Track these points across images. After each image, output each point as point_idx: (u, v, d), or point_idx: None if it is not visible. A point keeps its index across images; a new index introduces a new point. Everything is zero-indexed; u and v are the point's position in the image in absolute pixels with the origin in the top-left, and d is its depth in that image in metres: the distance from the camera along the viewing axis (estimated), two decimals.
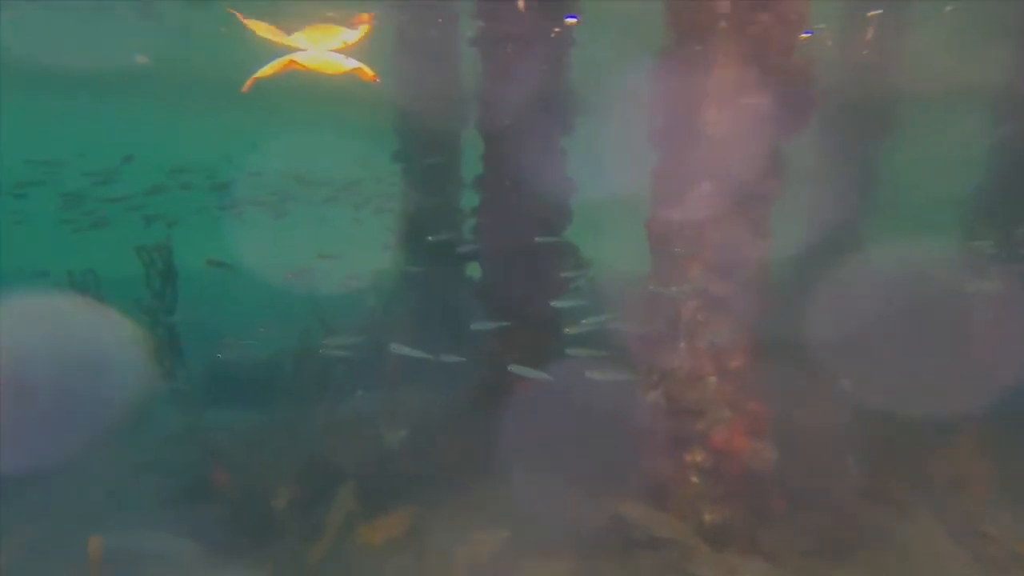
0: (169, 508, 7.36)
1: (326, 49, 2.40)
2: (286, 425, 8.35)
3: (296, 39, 2.39)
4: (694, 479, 6.07)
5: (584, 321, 7.29)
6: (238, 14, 2.54)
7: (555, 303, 7.46)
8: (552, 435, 7.73)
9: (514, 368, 7.18)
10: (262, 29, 2.32)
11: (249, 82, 2.45)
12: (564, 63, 8.69)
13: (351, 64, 2.46)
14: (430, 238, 9.00)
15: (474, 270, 10.15)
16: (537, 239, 8.68)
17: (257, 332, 9.36)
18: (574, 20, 8.53)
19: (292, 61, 2.40)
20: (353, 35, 2.41)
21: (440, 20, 10.93)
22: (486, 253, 9.43)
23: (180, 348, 7.82)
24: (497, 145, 8.96)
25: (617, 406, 6.97)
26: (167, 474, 7.65)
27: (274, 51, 2.56)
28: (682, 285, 6.08)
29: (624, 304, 7.13)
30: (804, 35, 5.49)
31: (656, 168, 6.28)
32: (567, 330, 7.04)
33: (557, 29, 8.35)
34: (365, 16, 2.43)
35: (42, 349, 9.16)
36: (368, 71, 2.46)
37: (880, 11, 12.35)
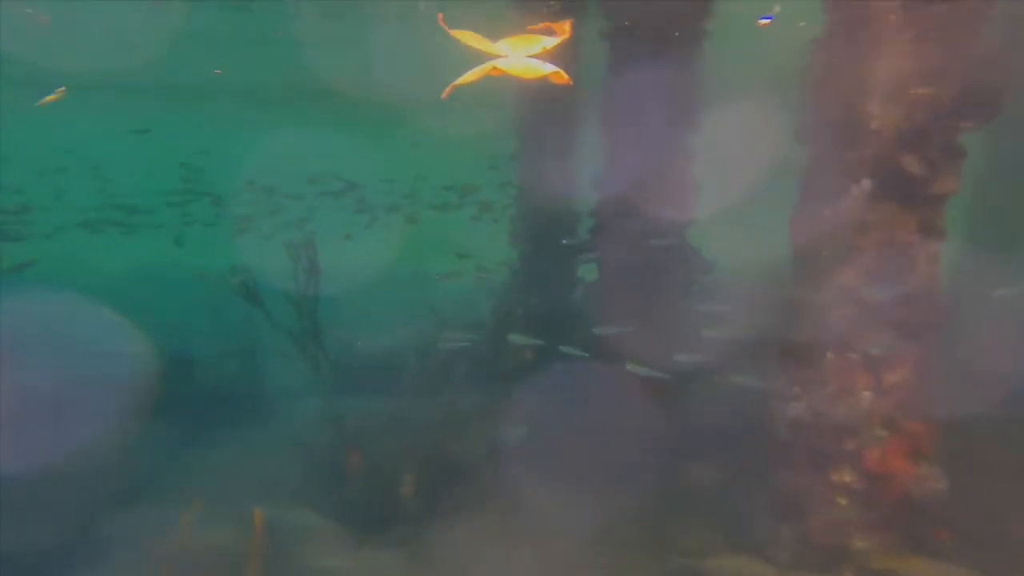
0: (311, 487, 8.01)
1: (526, 55, 2.50)
2: (410, 416, 8.79)
3: (500, 47, 2.50)
4: (842, 501, 5.61)
5: (706, 329, 7.01)
6: (444, 24, 2.69)
7: (697, 307, 7.20)
8: (675, 442, 7.51)
9: (632, 367, 7.06)
10: (469, 38, 2.45)
11: (448, 89, 2.59)
12: (693, 60, 8.39)
13: (549, 69, 2.53)
14: (565, 241, 9.06)
15: (587, 271, 10.11)
16: (656, 240, 8.47)
17: (384, 326, 9.94)
18: (768, 21, 8.18)
19: (495, 68, 2.51)
20: (552, 41, 2.48)
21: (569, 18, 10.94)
22: (605, 253, 9.35)
23: (322, 339, 8.48)
24: (620, 144, 8.86)
25: (748, 415, 6.62)
26: (309, 456, 8.32)
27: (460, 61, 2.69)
28: (831, 290, 5.64)
29: (757, 308, 6.76)
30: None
31: (807, 164, 5.87)
32: (705, 333, 6.76)
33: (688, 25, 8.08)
34: (565, 24, 2.50)
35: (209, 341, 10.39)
36: (564, 74, 2.52)
37: None
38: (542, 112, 10.92)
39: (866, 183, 5.29)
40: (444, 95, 2.62)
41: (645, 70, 8.31)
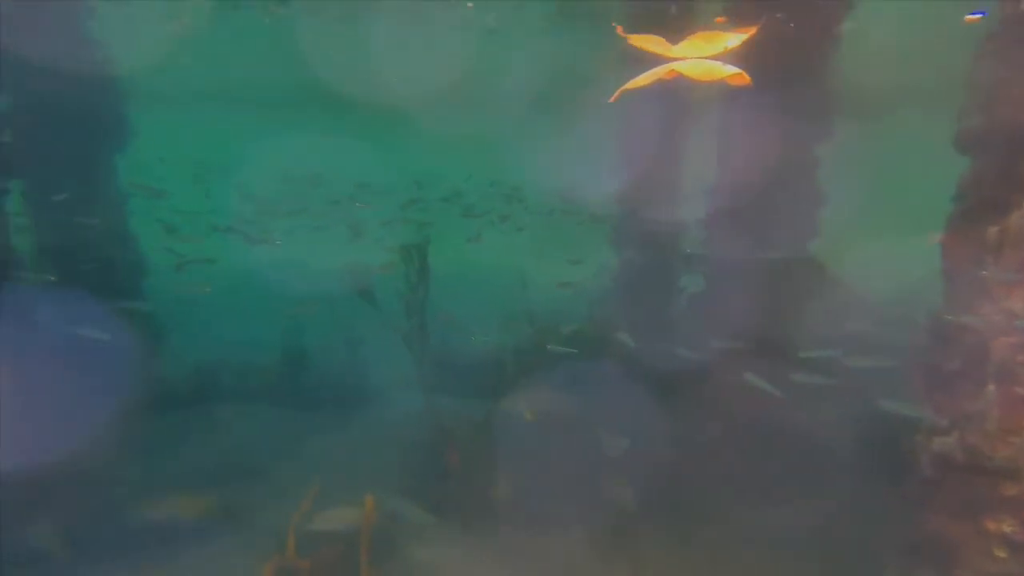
0: (412, 479, 8.27)
1: (707, 56, 2.43)
2: (506, 417, 8.86)
3: (680, 49, 2.45)
4: (1001, 554, 4.99)
5: (824, 350, 6.51)
6: (619, 29, 2.68)
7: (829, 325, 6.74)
8: (794, 468, 7.04)
9: (750, 377, 6.70)
10: (646, 42, 2.42)
11: (618, 92, 2.57)
12: (828, 61, 7.89)
13: (730, 70, 2.45)
14: (689, 251, 8.84)
15: (691, 282, 9.77)
16: (774, 254, 8.02)
17: (485, 329, 10.12)
18: (977, 16, 7.60)
19: (672, 70, 2.46)
20: (736, 40, 2.40)
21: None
22: (713, 265, 8.99)
23: (428, 337, 8.76)
24: (735, 151, 8.49)
25: (882, 446, 6.08)
26: (411, 450, 8.61)
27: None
28: (995, 315, 5.05)
29: (897, 329, 6.21)
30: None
31: (967, 176, 5.33)
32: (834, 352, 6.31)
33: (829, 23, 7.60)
34: (750, 27, 2.41)
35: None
36: (745, 75, 2.42)
37: None
38: (650, 117, 10.69)
39: None
40: (613, 99, 2.60)
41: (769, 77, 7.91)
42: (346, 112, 20.90)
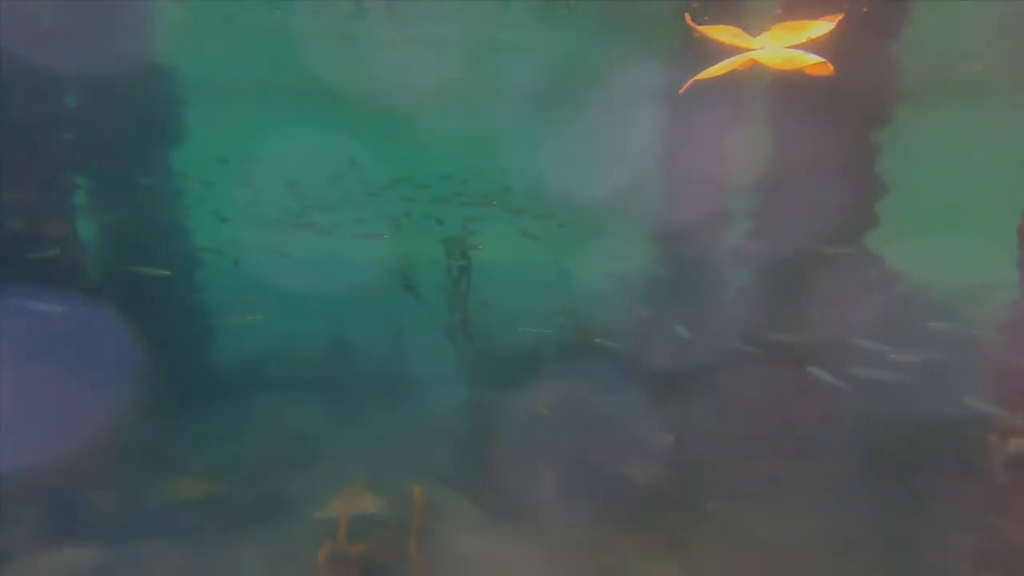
0: (455, 470, 8.33)
1: (789, 45, 2.33)
2: (550, 412, 8.82)
3: (761, 40, 2.36)
4: None
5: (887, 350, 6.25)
6: (690, 21, 2.60)
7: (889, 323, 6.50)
8: (852, 464, 6.81)
9: (813, 371, 6.51)
10: (721, 33, 2.34)
11: (688, 83, 2.49)
12: (890, 50, 7.54)
13: (812, 59, 2.34)
14: (738, 247, 8.64)
15: (738, 276, 9.52)
16: (829, 247, 7.73)
17: (525, 323, 10.09)
18: None
19: (752, 59, 2.37)
20: (821, 29, 2.29)
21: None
22: (762, 259, 8.74)
23: (471, 330, 8.81)
24: (788, 140, 8.20)
25: (950, 445, 5.81)
26: (454, 441, 8.66)
27: None
28: None
29: (965, 325, 5.91)
30: None
31: None
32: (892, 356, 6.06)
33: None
34: (836, 15, 2.30)
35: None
36: (828, 65, 2.32)
37: None
38: (695, 110, 10.45)
39: None
40: (682, 91, 2.52)
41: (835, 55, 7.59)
42: (379, 108, 21.21)
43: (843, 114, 7.59)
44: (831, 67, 2.30)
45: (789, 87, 7.90)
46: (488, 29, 12.87)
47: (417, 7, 11.91)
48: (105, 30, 7.29)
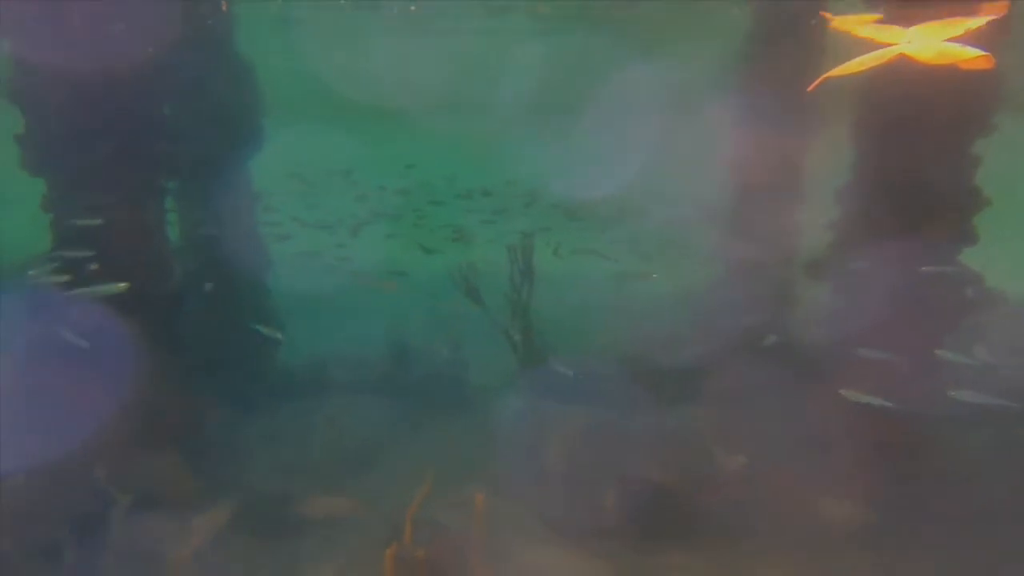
0: (515, 481, 8.21)
1: (943, 38, 2.14)
2: (613, 427, 8.60)
3: (911, 33, 2.18)
4: None
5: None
6: (826, 15, 2.45)
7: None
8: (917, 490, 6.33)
9: (847, 393, 6.16)
10: (859, 26, 2.17)
11: (820, 79, 2.33)
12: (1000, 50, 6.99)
13: (971, 52, 2.14)
14: (810, 262, 8.26)
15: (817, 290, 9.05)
16: (926, 268, 7.19)
17: (586, 332, 9.95)
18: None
19: (900, 54, 2.20)
20: (980, 20, 2.10)
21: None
22: (843, 273, 8.26)
23: (533, 339, 8.72)
24: (876, 147, 7.73)
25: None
26: (515, 451, 8.55)
27: None
28: None
29: None
30: None
31: None
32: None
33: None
34: (1002, 4, 2.11)
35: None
36: (990, 58, 2.11)
37: None
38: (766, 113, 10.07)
39: None
40: (811, 87, 2.36)
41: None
42: (446, 115, 21.59)
43: (941, 124, 7.08)
44: (992, 60, 2.09)
45: (879, 92, 7.46)
46: (561, 38, 12.87)
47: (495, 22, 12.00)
48: (195, 38, 7.71)
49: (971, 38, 2.16)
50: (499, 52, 14.08)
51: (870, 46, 2.22)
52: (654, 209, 12.48)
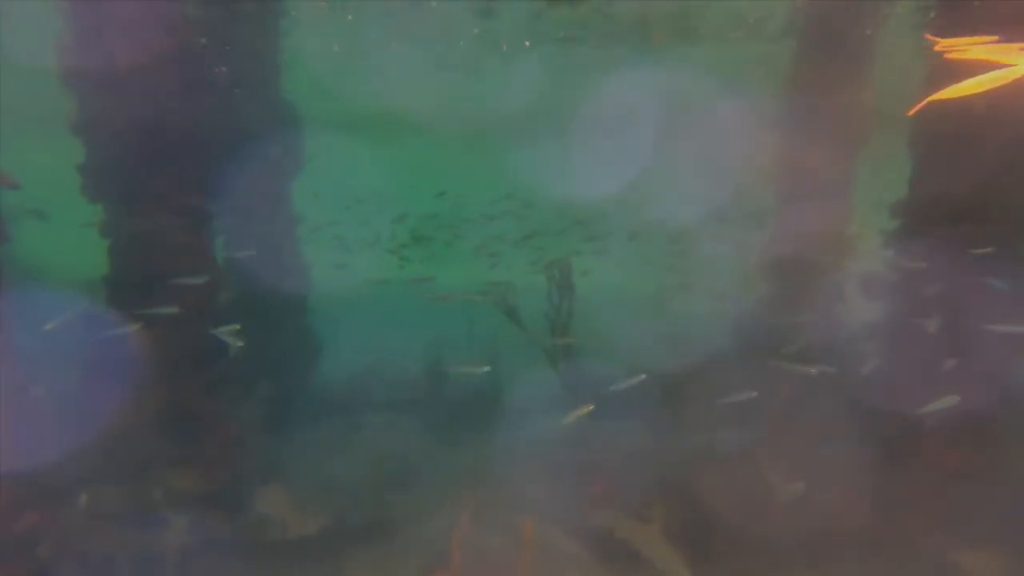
0: (557, 504, 7.99)
1: None
2: (662, 447, 8.32)
3: None
4: None
5: None
6: (931, 37, 2.30)
7: None
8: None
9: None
10: (975, 49, 2.00)
11: (923, 102, 2.17)
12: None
13: None
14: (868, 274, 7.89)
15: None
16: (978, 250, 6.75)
17: (625, 351, 9.68)
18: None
19: (1019, 77, 2.02)
20: None
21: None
22: (904, 285, 7.85)
23: (572, 355, 8.54)
24: (935, 159, 7.37)
25: None
26: (555, 473, 8.33)
27: None
28: None
29: None
30: None
31: None
32: None
33: None
34: None
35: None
36: None
37: None
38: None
39: None
40: (912, 112, 2.20)
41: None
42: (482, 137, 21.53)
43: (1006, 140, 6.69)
44: None
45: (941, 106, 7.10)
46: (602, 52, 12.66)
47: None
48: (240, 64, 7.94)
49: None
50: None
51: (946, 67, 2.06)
52: (698, 226, 12.20)
